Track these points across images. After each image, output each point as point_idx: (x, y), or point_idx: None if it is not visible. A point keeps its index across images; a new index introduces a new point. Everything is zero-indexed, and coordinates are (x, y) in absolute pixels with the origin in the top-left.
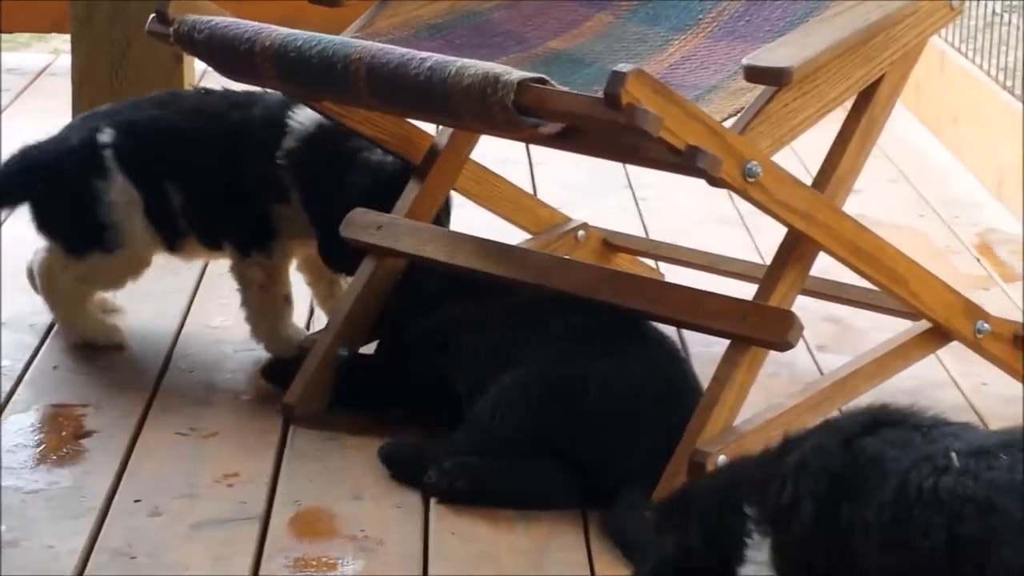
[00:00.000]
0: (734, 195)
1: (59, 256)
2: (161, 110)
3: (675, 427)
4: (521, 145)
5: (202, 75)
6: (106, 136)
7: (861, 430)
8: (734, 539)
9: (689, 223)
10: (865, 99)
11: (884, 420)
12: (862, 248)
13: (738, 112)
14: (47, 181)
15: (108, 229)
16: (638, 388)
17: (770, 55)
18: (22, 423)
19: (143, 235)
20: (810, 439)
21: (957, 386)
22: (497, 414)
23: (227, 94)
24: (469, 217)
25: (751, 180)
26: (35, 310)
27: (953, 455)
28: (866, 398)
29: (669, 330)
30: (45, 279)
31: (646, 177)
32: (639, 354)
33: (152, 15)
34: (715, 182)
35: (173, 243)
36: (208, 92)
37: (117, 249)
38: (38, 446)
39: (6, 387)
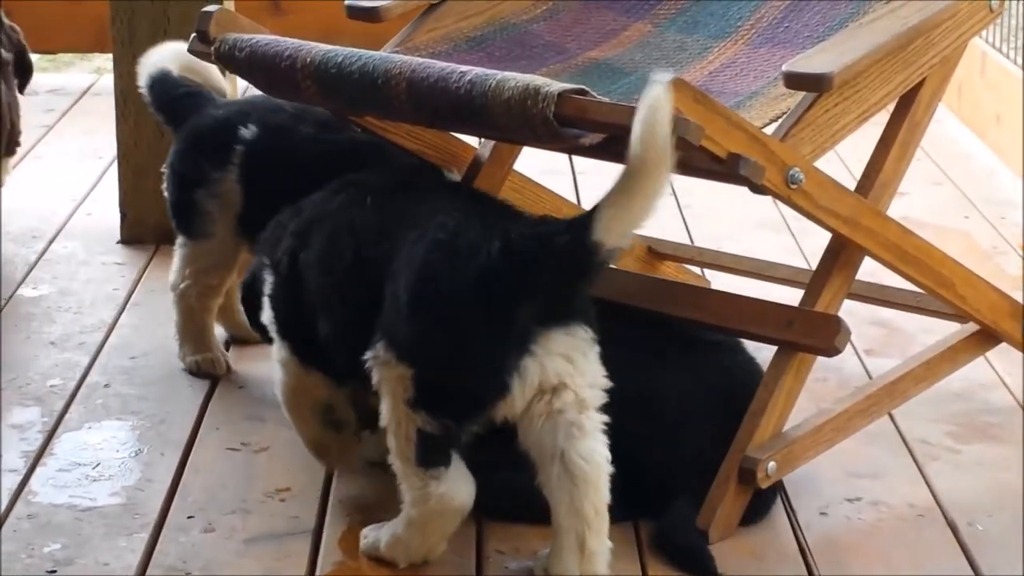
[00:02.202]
0: (778, 201)
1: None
2: (297, 123)
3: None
4: (564, 155)
5: (244, 93)
6: (248, 133)
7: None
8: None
9: (733, 229)
10: (906, 103)
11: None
12: (907, 252)
13: (779, 117)
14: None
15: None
16: (706, 401)
17: (810, 61)
18: (75, 441)
19: (229, 234)
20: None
21: (1006, 387)
22: None
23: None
24: None
25: (794, 186)
26: (84, 329)
27: (369, 199)
28: (916, 401)
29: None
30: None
31: (689, 184)
32: (712, 365)
33: (193, 35)
34: (758, 189)
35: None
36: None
37: (203, 239)
38: (91, 464)
39: (59, 406)
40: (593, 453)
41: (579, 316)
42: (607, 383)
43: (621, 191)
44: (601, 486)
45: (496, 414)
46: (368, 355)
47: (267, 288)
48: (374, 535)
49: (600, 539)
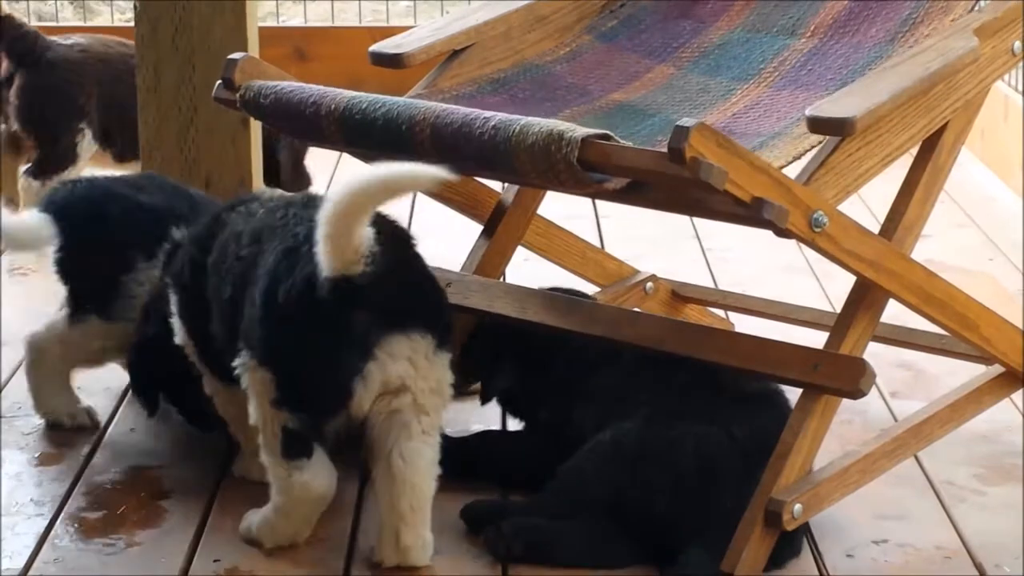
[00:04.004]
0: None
1: None
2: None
3: None
4: (587, 200)
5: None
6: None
7: (228, 207)
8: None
9: (757, 272)
10: (929, 147)
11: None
12: (932, 294)
13: (802, 155)
14: None
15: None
16: (732, 454)
17: (833, 105)
18: (101, 485)
19: None
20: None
21: None
22: (587, 468)
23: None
24: (537, 272)
25: (818, 230)
26: (107, 372)
27: (261, 210)
28: (941, 443)
29: None
30: None
31: (713, 228)
32: (744, 416)
33: (218, 82)
34: (782, 233)
35: None
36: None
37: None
38: (117, 508)
39: (85, 450)
40: (415, 455)
41: (420, 320)
42: (450, 390)
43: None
44: (420, 486)
45: (348, 413)
46: (236, 361)
47: (173, 307)
48: (249, 519)
49: (415, 534)
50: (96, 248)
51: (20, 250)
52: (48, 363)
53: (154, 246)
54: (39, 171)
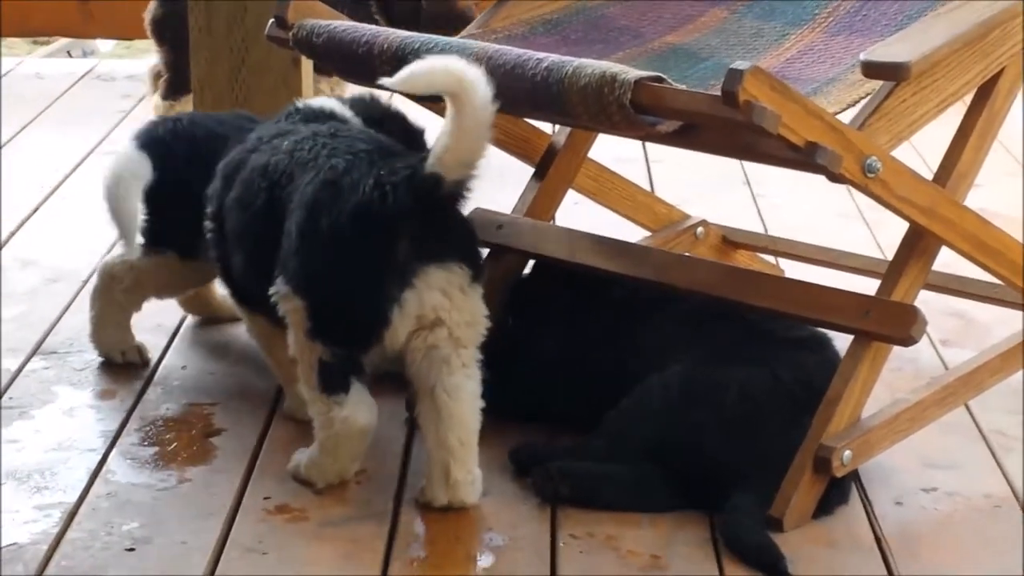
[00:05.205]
0: (853, 191)
1: None
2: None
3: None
4: (638, 143)
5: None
6: None
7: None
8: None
9: (808, 219)
10: (984, 94)
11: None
12: (985, 242)
13: (857, 102)
14: None
15: None
16: (778, 396)
17: (887, 50)
18: (153, 422)
19: None
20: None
21: None
22: (633, 411)
23: None
24: (588, 215)
25: (871, 176)
26: (160, 309)
27: (284, 142)
28: (992, 392)
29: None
30: None
31: (764, 174)
32: (791, 361)
33: (271, 20)
34: (835, 178)
35: None
36: None
37: None
38: (169, 444)
39: (137, 386)
40: (459, 389)
41: (456, 253)
42: (487, 322)
43: (449, 130)
44: (467, 419)
45: (383, 344)
46: (272, 289)
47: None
48: (297, 458)
49: (465, 469)
50: (186, 185)
51: (117, 185)
52: (115, 292)
53: None
54: (170, 91)
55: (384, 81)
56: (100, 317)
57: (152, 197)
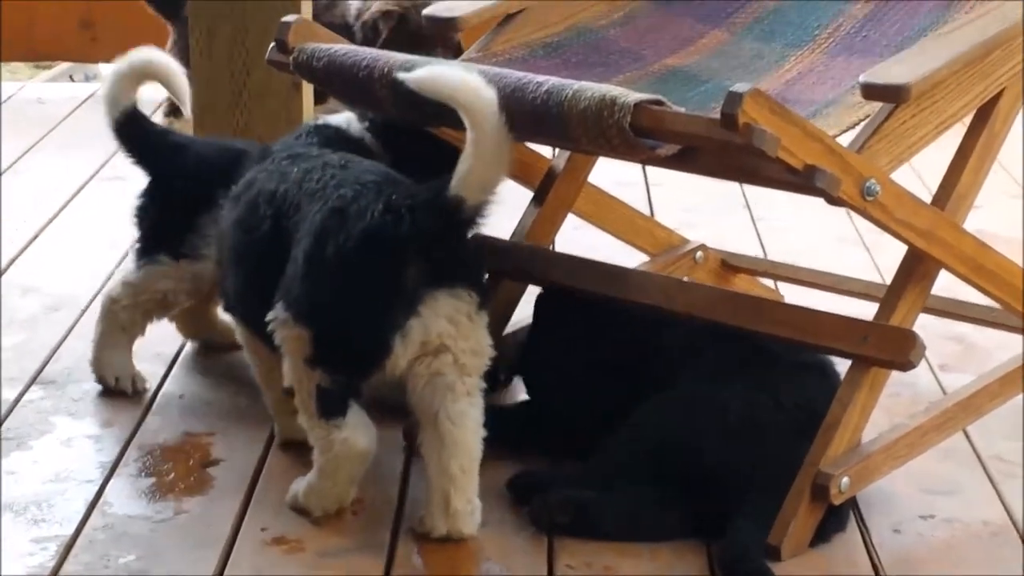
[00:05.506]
0: (852, 214)
1: None
2: None
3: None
4: (638, 167)
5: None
6: None
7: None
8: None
9: (807, 243)
10: (984, 114)
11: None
12: (984, 266)
13: (857, 124)
14: None
15: None
16: (779, 420)
17: (887, 72)
18: (151, 452)
19: None
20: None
21: None
22: (634, 425)
23: None
24: (587, 239)
25: (870, 199)
26: (161, 339)
27: (294, 169)
28: (991, 417)
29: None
30: None
31: (764, 197)
32: (793, 385)
33: (271, 44)
34: (834, 201)
35: None
36: None
37: None
38: (167, 475)
39: (135, 416)
40: (463, 416)
41: (464, 279)
42: (491, 351)
43: (469, 153)
44: (469, 447)
45: (385, 371)
46: (271, 315)
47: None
48: (294, 489)
49: (465, 498)
50: (170, 186)
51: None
52: (117, 312)
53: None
54: (171, 110)
55: (402, 76)
56: (101, 339)
57: (139, 208)
